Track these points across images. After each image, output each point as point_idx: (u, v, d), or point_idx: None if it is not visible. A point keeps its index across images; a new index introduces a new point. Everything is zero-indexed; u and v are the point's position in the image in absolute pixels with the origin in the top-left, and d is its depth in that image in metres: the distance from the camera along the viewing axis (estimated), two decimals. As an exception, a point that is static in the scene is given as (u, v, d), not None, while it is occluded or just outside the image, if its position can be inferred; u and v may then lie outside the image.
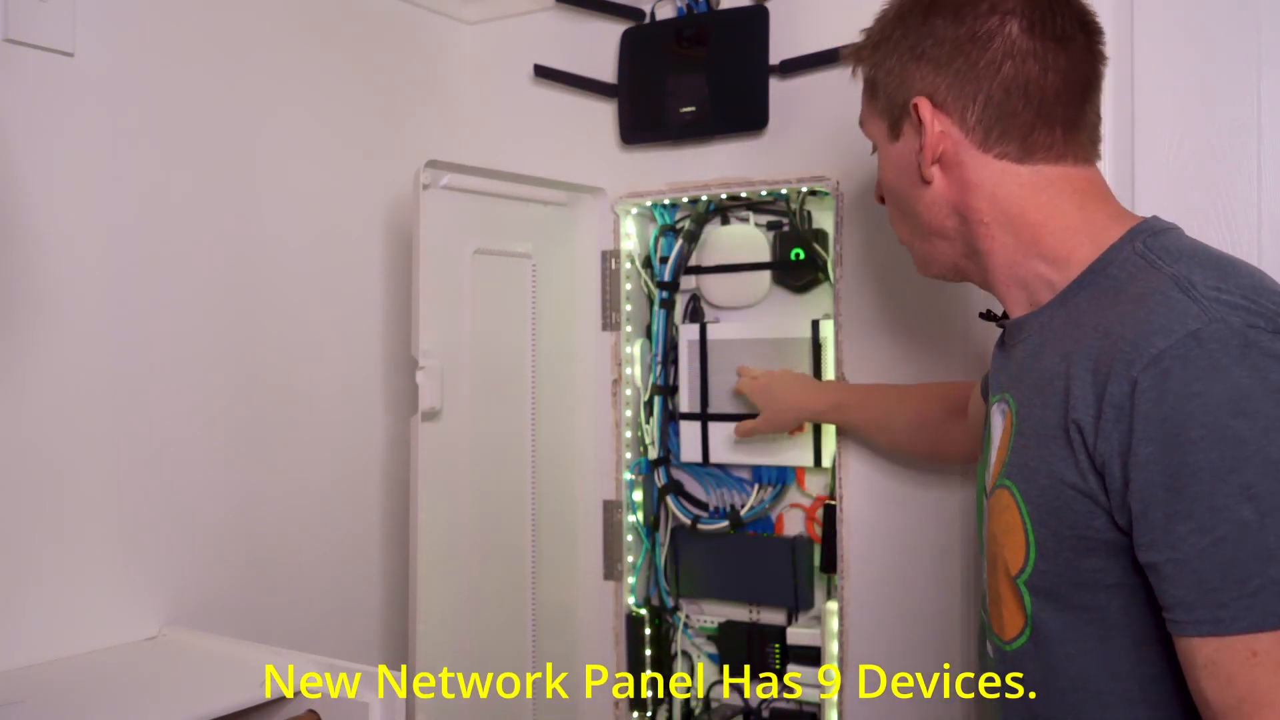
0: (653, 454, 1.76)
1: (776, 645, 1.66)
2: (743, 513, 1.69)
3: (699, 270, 1.74)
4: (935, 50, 0.92)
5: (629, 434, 1.75)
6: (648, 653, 1.73)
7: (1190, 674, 0.77)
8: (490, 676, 1.59)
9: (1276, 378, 0.75)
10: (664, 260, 1.75)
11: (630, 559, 1.74)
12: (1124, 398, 0.78)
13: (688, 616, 1.77)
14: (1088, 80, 0.93)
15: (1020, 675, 0.91)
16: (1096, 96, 0.94)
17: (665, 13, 1.69)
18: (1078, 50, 0.91)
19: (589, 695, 1.74)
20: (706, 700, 1.75)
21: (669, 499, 1.75)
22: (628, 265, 1.74)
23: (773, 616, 1.70)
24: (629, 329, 1.75)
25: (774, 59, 1.58)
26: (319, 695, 1.20)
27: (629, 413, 1.75)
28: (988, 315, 1.07)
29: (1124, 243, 0.87)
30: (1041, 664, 0.88)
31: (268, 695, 1.17)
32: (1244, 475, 0.74)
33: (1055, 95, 0.90)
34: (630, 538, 1.75)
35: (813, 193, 1.63)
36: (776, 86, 1.59)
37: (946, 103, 0.92)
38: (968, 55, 0.91)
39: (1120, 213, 0.92)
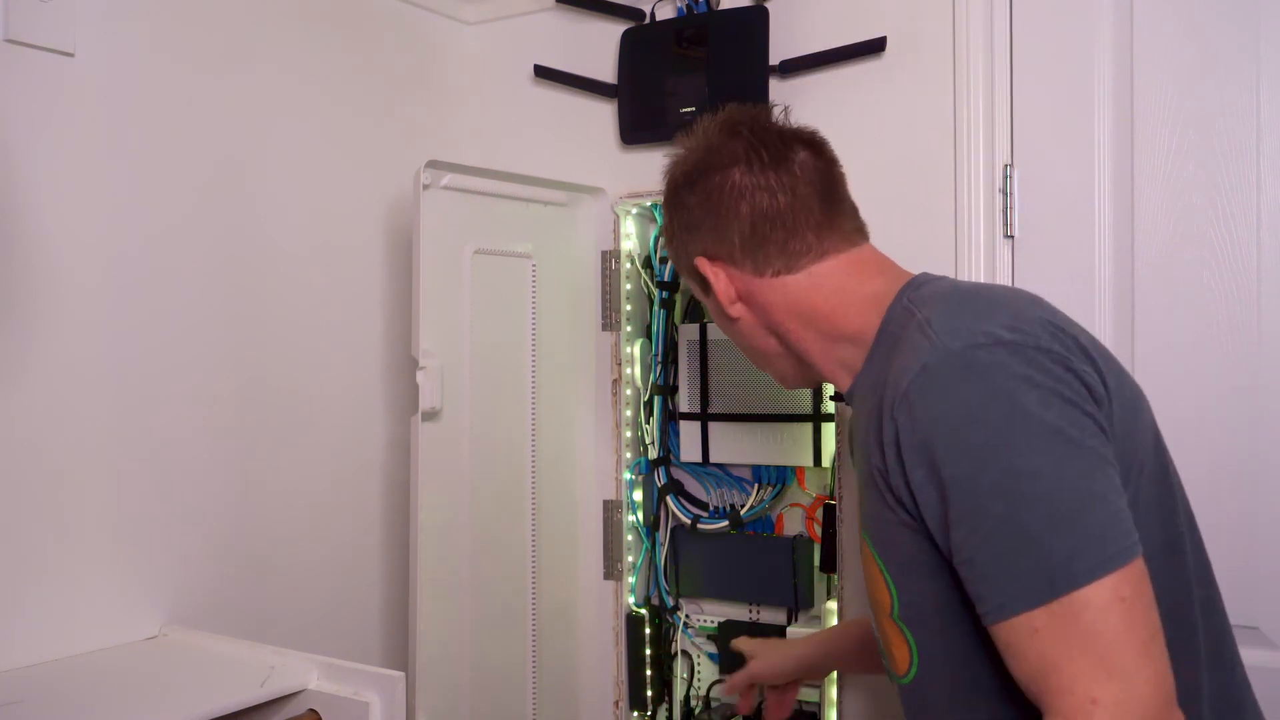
0: (653, 454, 1.76)
1: (776, 645, 1.66)
2: (743, 512, 1.69)
3: (699, 270, 1.74)
4: (694, 218, 1.07)
5: (629, 434, 1.75)
6: (648, 652, 1.73)
7: (1003, 657, 0.85)
8: (490, 676, 1.59)
9: (998, 384, 0.83)
10: (664, 260, 1.75)
11: (630, 559, 1.74)
12: (893, 435, 0.88)
13: (688, 616, 1.77)
14: (826, 184, 1.05)
15: (924, 700, 0.98)
16: (841, 190, 1.07)
17: (665, 13, 1.69)
18: (798, 164, 1.03)
19: (589, 695, 1.75)
20: (707, 700, 1.75)
21: (669, 499, 1.75)
22: (628, 265, 1.74)
23: (773, 616, 1.70)
24: (629, 329, 1.75)
25: (774, 59, 1.58)
26: (319, 695, 1.20)
27: (629, 413, 1.75)
28: (835, 396, 1.20)
29: (896, 301, 0.99)
30: (936, 685, 0.95)
31: (268, 695, 1.17)
32: (989, 475, 0.82)
33: (792, 210, 1.02)
34: (630, 537, 1.75)
35: (813, 193, 1.63)
36: (776, 86, 1.59)
37: (716, 253, 1.06)
38: (713, 211, 1.05)
39: (897, 274, 1.03)
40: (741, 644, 1.48)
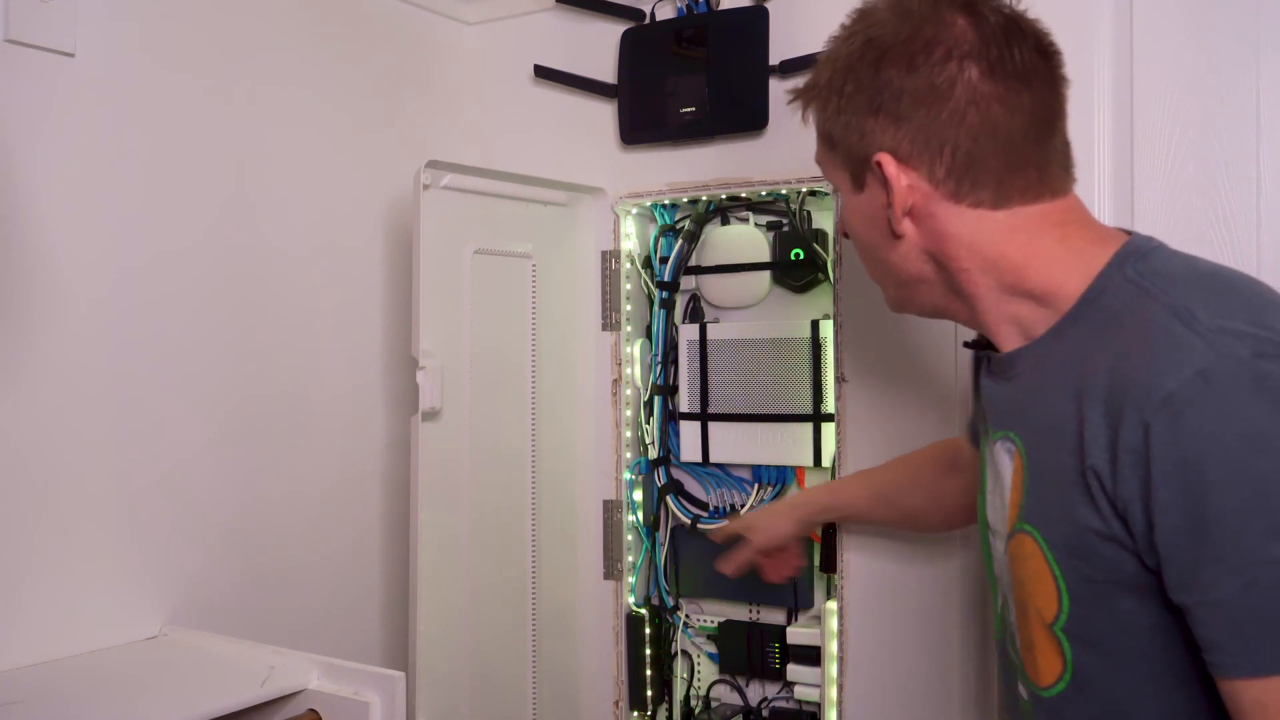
0: (653, 454, 1.76)
1: (776, 645, 1.66)
2: (743, 512, 1.69)
3: (699, 270, 1.74)
4: (893, 103, 0.87)
5: (629, 434, 1.75)
6: (648, 652, 1.73)
7: (1236, 715, 0.75)
8: (490, 676, 1.59)
9: None
10: (664, 260, 1.75)
11: (630, 559, 1.74)
12: (1138, 441, 0.75)
13: (688, 616, 1.77)
14: (1054, 112, 0.89)
15: (1060, 718, 0.89)
16: (1064, 124, 0.91)
17: (665, 13, 1.69)
18: (1041, 84, 0.88)
19: (589, 695, 1.75)
20: (706, 700, 1.76)
21: (669, 499, 1.75)
22: (628, 265, 1.74)
23: (773, 616, 1.70)
24: (629, 329, 1.75)
25: (774, 59, 1.58)
26: (319, 695, 1.20)
27: (629, 413, 1.75)
28: (973, 344, 1.03)
29: (1113, 269, 0.85)
30: (1086, 709, 0.86)
31: (268, 695, 1.17)
32: (1271, 515, 0.72)
33: (1024, 137, 0.87)
34: (630, 537, 1.75)
35: (812, 193, 1.63)
36: (776, 86, 1.59)
37: (912, 157, 0.88)
38: (929, 107, 0.86)
39: (1103, 235, 0.89)
40: (734, 526, 1.41)
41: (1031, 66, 0.87)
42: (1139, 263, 0.84)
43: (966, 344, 1.05)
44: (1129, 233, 0.89)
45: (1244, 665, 0.73)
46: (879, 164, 0.88)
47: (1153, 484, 0.75)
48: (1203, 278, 0.83)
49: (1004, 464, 0.92)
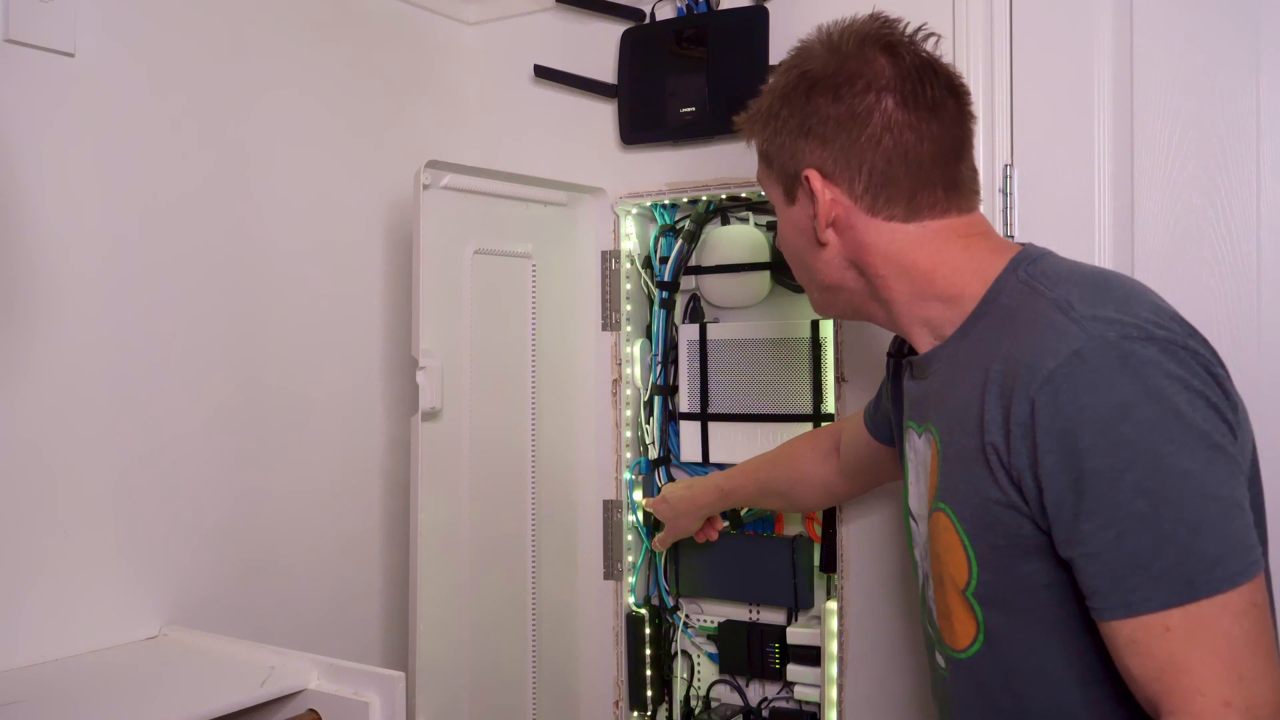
0: (653, 454, 1.76)
1: (776, 645, 1.66)
2: (743, 513, 1.69)
3: (699, 270, 1.74)
4: (820, 127, 0.99)
5: (629, 434, 1.75)
6: (648, 652, 1.73)
7: (1115, 653, 0.85)
8: (490, 676, 1.59)
9: (1153, 382, 0.82)
10: (664, 260, 1.75)
11: (630, 559, 1.74)
12: (1026, 415, 0.86)
13: (688, 616, 1.77)
14: (961, 142, 1.00)
15: (975, 677, 0.98)
16: (970, 153, 1.02)
17: (665, 13, 1.69)
18: (949, 116, 0.99)
19: (589, 695, 1.75)
20: (706, 700, 1.76)
21: (669, 499, 1.75)
22: (628, 265, 1.74)
23: (773, 616, 1.70)
24: (629, 329, 1.75)
25: (774, 59, 1.58)
26: (319, 695, 1.20)
27: (629, 413, 1.75)
28: (894, 353, 1.17)
29: (1008, 273, 0.96)
30: (998, 664, 0.96)
31: (268, 695, 1.17)
32: (1135, 473, 0.82)
33: (932, 160, 0.98)
34: (630, 538, 1.75)
35: (813, 193, 1.63)
36: (776, 86, 1.58)
37: (835, 174, 0.99)
38: (850, 131, 0.98)
39: (1001, 245, 1.00)
40: (650, 506, 1.62)
41: (940, 101, 0.99)
42: (1030, 266, 0.95)
43: (889, 354, 1.19)
44: (1024, 245, 1.01)
45: (1118, 607, 0.83)
46: (807, 179, 1.00)
47: (1039, 451, 0.85)
48: (1083, 276, 0.94)
49: (924, 452, 1.03)
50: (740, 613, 1.73)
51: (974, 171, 1.03)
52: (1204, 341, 0.88)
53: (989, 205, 1.45)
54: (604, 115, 1.74)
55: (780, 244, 1.11)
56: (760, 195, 1.66)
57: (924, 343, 1.03)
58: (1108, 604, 0.84)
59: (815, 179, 1.00)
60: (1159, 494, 0.81)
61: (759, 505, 1.59)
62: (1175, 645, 0.81)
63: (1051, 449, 0.84)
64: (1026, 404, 0.86)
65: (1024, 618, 0.93)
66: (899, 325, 1.04)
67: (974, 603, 0.96)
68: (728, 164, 1.64)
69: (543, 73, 1.79)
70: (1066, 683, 0.92)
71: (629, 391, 1.75)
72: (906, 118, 0.97)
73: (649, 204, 1.74)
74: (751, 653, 1.68)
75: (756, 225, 1.70)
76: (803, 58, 1.03)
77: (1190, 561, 0.80)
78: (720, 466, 1.73)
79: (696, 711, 1.76)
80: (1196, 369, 0.84)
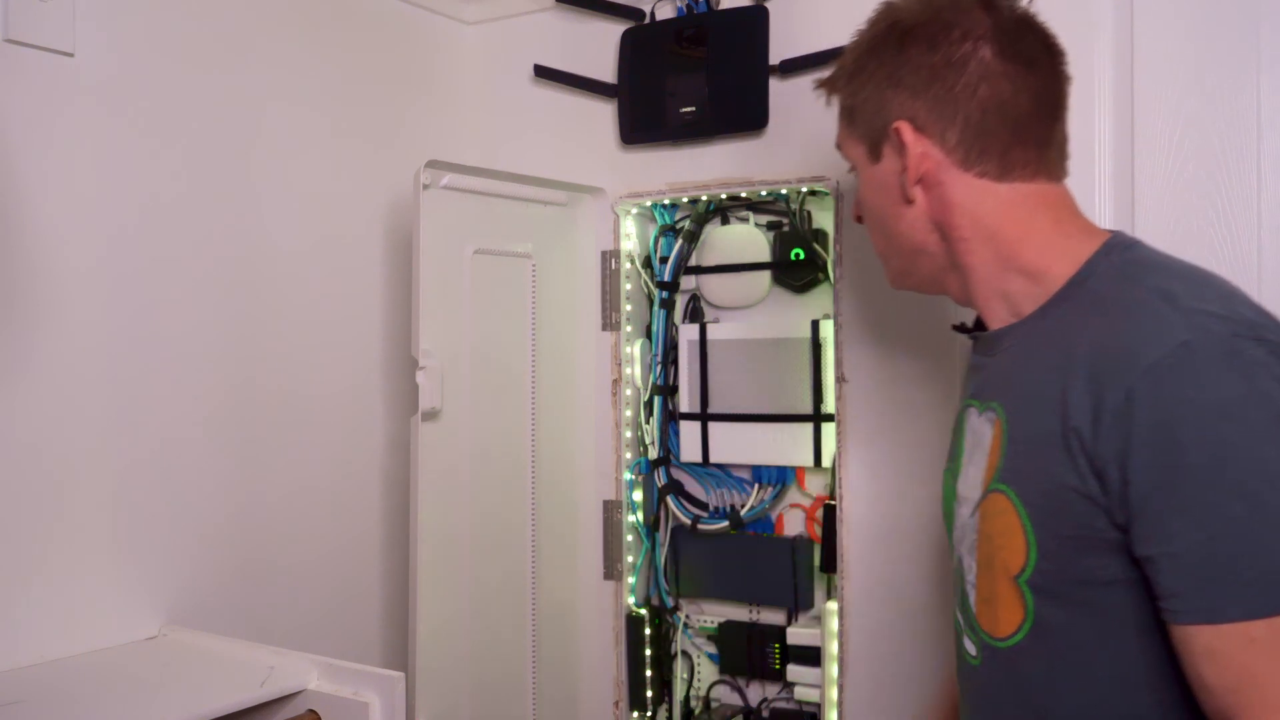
0: (653, 454, 1.76)
1: (776, 645, 1.66)
2: (743, 513, 1.69)
3: (699, 270, 1.74)
4: (912, 77, 0.96)
5: (629, 434, 1.75)
6: (648, 653, 1.73)
7: (1188, 660, 0.82)
8: (490, 676, 1.59)
9: (1261, 383, 0.80)
10: (664, 260, 1.75)
11: (630, 559, 1.74)
12: (1120, 404, 0.82)
13: (688, 616, 1.77)
14: (1056, 100, 0.98)
15: (1014, 668, 0.94)
16: (1064, 115, 0.99)
17: (665, 13, 1.69)
18: (1045, 72, 0.96)
19: (589, 695, 1.75)
20: (706, 700, 1.75)
21: (669, 499, 1.75)
22: (628, 265, 1.74)
23: (773, 616, 1.70)
24: (629, 329, 1.75)
25: (774, 59, 1.58)
26: (319, 695, 1.20)
27: (629, 413, 1.75)
28: (960, 327, 1.11)
29: (1100, 256, 0.92)
30: (1042, 656, 0.92)
31: (268, 695, 1.17)
32: (1234, 474, 0.78)
33: (1028, 115, 0.95)
34: (630, 538, 1.75)
35: (813, 193, 1.63)
36: (776, 86, 1.59)
37: (927, 125, 0.96)
38: (944, 80, 0.95)
39: (1089, 227, 0.97)
40: None
41: (1037, 56, 0.96)
42: (1125, 252, 0.92)
43: (954, 327, 1.12)
44: (1113, 231, 0.97)
45: (1199, 612, 0.80)
46: (897, 131, 0.97)
47: (1132, 442, 0.81)
48: (1182, 268, 0.91)
49: (984, 432, 0.98)
50: (740, 613, 1.73)
51: (1066, 137, 0.99)
52: None
53: (989, 205, 1.44)
54: (604, 115, 1.74)
55: (859, 209, 1.08)
56: (760, 195, 1.66)
57: (998, 317, 0.98)
58: (1188, 607, 0.80)
59: (906, 130, 0.96)
60: (1257, 499, 0.78)
61: None
62: (1257, 658, 0.78)
63: (1147, 441, 0.80)
64: (1121, 392, 0.82)
65: (1079, 612, 0.89)
66: (974, 296, 1.00)
67: (1026, 590, 0.91)
68: (728, 164, 1.64)
69: (543, 72, 1.79)
70: (1111, 684, 0.88)
71: (629, 391, 1.75)
72: (1004, 68, 0.94)
73: (649, 204, 1.74)
74: (751, 653, 1.68)
75: (756, 225, 1.70)
76: (892, 11, 0.99)
77: None
78: (721, 467, 1.73)
79: (696, 712, 1.76)
80: None
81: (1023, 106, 0.94)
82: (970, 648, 1.00)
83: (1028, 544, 0.90)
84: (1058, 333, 0.91)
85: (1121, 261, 0.91)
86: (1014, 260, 0.96)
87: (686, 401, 1.72)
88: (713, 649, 1.75)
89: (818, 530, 1.63)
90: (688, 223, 1.74)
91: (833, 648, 1.55)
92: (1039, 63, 0.96)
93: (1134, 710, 0.87)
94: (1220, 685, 0.80)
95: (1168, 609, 0.82)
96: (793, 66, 1.57)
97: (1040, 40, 0.97)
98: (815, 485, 1.66)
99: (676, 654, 1.77)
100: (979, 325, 1.04)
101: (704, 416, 1.70)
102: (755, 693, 1.72)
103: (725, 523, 1.69)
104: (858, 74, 1.01)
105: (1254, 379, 0.80)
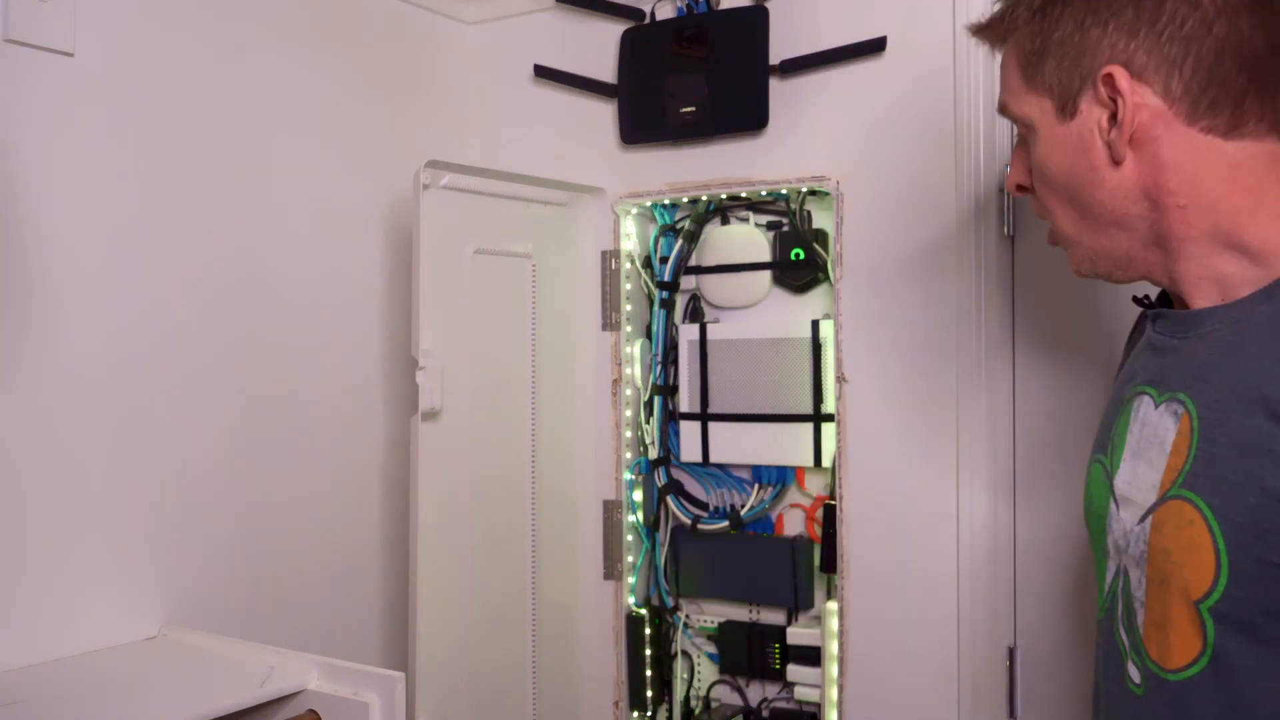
0: (653, 454, 1.76)
1: (776, 645, 1.66)
2: (743, 513, 1.69)
3: (699, 270, 1.74)
4: (1128, 10, 0.81)
5: (629, 434, 1.75)
6: (648, 653, 1.73)
7: None
8: (490, 676, 1.59)
9: None
10: (664, 260, 1.75)
11: (630, 559, 1.74)
12: None
13: (688, 616, 1.77)
14: None
15: (1183, 706, 0.82)
16: None
17: (665, 13, 1.69)
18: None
19: (589, 695, 1.75)
20: (706, 700, 1.75)
21: (669, 499, 1.75)
22: (628, 265, 1.74)
23: (773, 616, 1.70)
24: (629, 329, 1.75)
25: (774, 59, 1.58)
26: (319, 695, 1.20)
27: (629, 413, 1.75)
28: (1143, 300, 0.96)
29: None
30: (1221, 697, 0.79)
31: (268, 695, 1.17)
32: None
33: (1267, 58, 0.80)
34: (630, 538, 1.75)
35: (813, 193, 1.63)
36: (776, 86, 1.59)
37: (1147, 70, 0.81)
38: (1173, 13, 0.80)
39: None
40: None
41: None
42: None
43: (1136, 299, 0.97)
44: None
45: None
46: (1110, 77, 0.82)
47: None
48: None
49: (1165, 426, 0.84)
50: (740, 613, 1.73)
51: None
52: None
53: (989, 204, 1.44)
54: (604, 115, 1.74)
55: (1039, 176, 0.91)
56: (760, 195, 1.66)
57: (1205, 299, 0.84)
58: None
59: (1122, 77, 0.81)
60: None
61: None
62: None
63: None
64: None
65: (1272, 651, 0.76)
66: (1180, 275, 0.85)
67: (1207, 618, 0.78)
68: (728, 164, 1.64)
69: (543, 72, 1.79)
70: None
71: (629, 391, 1.75)
72: (1243, 2, 0.79)
73: (649, 204, 1.74)
74: (751, 653, 1.68)
75: (756, 225, 1.70)
76: None
77: None
78: (721, 466, 1.73)
79: (696, 712, 1.76)
80: None
81: (1262, 46, 0.80)
82: (1134, 674, 0.86)
83: (1218, 565, 0.77)
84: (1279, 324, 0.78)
85: None
86: (1234, 236, 0.81)
87: (686, 401, 1.72)
88: (713, 649, 1.75)
89: (818, 530, 1.63)
90: (688, 223, 1.74)
91: (833, 648, 1.55)
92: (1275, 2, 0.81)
93: None
94: None
95: None
96: (793, 66, 1.57)
97: None
98: (815, 485, 1.66)
99: (676, 654, 1.77)
100: (1163, 300, 0.91)
101: (704, 416, 1.70)
102: (755, 693, 1.72)
103: (725, 523, 1.69)
104: (1049, 7, 0.85)
105: None
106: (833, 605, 1.56)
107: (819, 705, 1.60)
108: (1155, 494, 0.83)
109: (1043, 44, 0.86)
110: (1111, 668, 0.90)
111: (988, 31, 0.92)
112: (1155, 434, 0.85)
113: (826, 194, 1.59)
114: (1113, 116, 0.83)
